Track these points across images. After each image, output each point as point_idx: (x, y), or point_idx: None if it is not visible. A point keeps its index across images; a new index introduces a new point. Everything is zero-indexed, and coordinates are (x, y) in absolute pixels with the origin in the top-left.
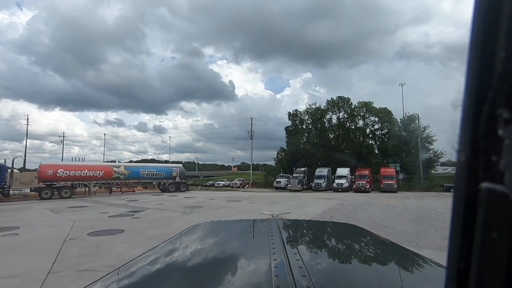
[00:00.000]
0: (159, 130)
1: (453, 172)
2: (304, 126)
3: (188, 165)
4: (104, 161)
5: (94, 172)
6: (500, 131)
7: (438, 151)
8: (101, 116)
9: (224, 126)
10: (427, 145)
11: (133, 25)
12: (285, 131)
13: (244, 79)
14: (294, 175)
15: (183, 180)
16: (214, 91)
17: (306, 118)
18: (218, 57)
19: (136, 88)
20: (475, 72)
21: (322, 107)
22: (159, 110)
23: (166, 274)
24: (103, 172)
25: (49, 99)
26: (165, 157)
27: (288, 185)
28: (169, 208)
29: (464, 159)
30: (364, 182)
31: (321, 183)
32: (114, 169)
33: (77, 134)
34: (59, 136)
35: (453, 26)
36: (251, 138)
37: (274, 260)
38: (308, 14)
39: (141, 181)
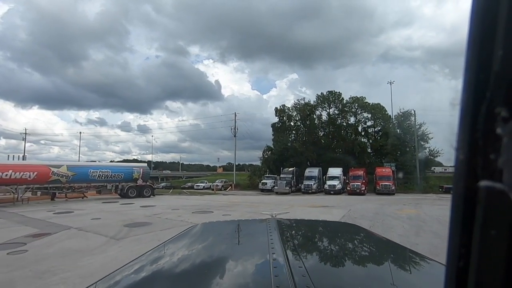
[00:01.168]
0: (143, 129)
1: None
2: (292, 123)
3: (173, 166)
4: (81, 161)
5: (22, 173)
6: (498, 130)
7: (434, 149)
8: (82, 115)
9: (210, 126)
10: (422, 143)
11: (115, 21)
12: (271, 128)
13: (231, 79)
14: (281, 176)
15: (147, 183)
16: (200, 91)
17: (294, 114)
18: (204, 56)
19: (120, 86)
20: (473, 71)
21: (312, 102)
22: (143, 110)
23: (166, 274)
24: (35, 173)
25: (26, 97)
26: (149, 157)
27: (275, 187)
28: (99, 228)
29: (462, 158)
30: (359, 183)
31: (311, 184)
32: (52, 169)
33: (57, 134)
34: (20, 134)
35: (434, 31)
36: (235, 136)
37: (274, 260)
38: (295, 15)
39: (92, 184)
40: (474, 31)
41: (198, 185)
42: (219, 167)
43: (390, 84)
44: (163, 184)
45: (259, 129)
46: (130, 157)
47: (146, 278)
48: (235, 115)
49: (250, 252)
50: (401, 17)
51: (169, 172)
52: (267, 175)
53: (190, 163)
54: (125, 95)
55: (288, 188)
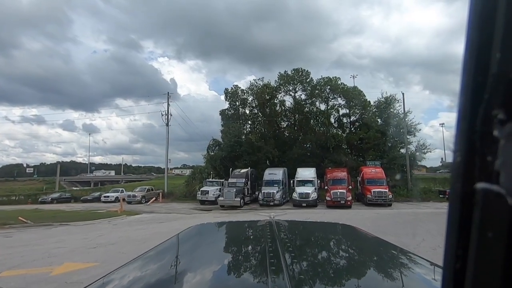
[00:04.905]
0: (90, 129)
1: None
2: (247, 111)
3: (116, 167)
4: None
5: None
6: (495, 132)
7: (423, 144)
8: (16, 112)
9: (165, 126)
10: (408, 137)
11: (55, 7)
12: (220, 116)
13: (187, 78)
14: (230, 180)
15: None
16: (155, 89)
17: (250, 99)
18: (159, 53)
19: (62, 81)
20: (470, 73)
21: (272, 83)
22: (90, 107)
23: (163, 276)
24: None
25: None
26: (98, 159)
27: (220, 198)
28: None
29: (460, 159)
30: (344, 190)
31: (273, 193)
32: None
33: None
34: None
35: (380, 41)
36: (167, 124)
37: (271, 261)
38: (253, 16)
39: None
40: (472, 33)
41: (107, 196)
42: (171, 169)
43: (353, 78)
44: (55, 195)
45: (216, 130)
46: (75, 159)
47: (143, 279)
48: (168, 96)
49: (248, 253)
50: (353, 26)
51: (114, 175)
52: (210, 179)
53: (140, 165)
54: (68, 91)
55: (239, 199)
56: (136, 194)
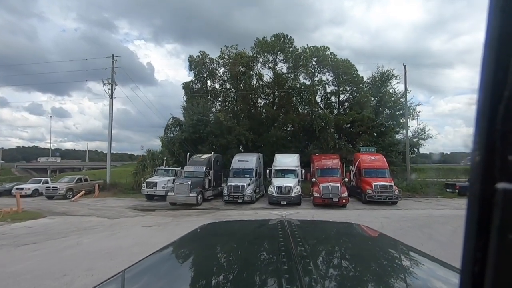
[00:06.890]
0: (59, 113)
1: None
2: (217, 85)
3: (78, 154)
4: None
5: None
6: None
7: (423, 129)
8: None
9: (142, 113)
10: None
11: None
12: (183, 90)
13: (165, 64)
14: (186, 169)
15: None
16: (130, 73)
17: (222, 71)
18: (135, 35)
19: (26, 60)
20: (490, 70)
21: (248, 52)
22: (59, 90)
23: (174, 276)
24: None
25: None
26: (68, 145)
27: (170, 193)
28: None
29: (479, 159)
30: (337, 183)
31: (243, 186)
32: None
33: None
34: None
35: (360, 33)
36: (111, 96)
37: (284, 260)
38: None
39: None
40: (491, 29)
41: (21, 188)
42: (142, 156)
43: None
44: None
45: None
46: (44, 145)
47: (153, 279)
48: (113, 59)
49: (261, 252)
50: (335, 16)
51: (76, 161)
52: (162, 167)
53: (113, 152)
54: (34, 71)
55: (195, 194)
56: (59, 186)
